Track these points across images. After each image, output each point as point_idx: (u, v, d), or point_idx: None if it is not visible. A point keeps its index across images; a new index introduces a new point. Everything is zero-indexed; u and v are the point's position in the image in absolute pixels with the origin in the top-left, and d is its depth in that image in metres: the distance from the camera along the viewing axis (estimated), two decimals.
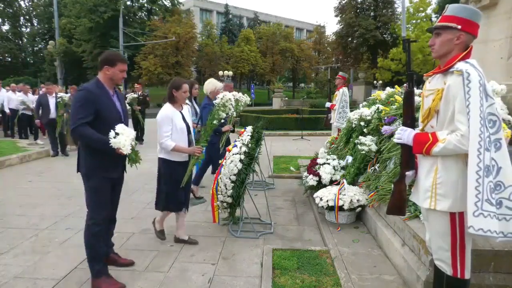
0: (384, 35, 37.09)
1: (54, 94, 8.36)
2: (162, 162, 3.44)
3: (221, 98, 3.98)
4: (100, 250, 2.79)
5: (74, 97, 2.77)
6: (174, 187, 3.41)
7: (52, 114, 8.17)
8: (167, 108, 3.39)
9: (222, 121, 4.00)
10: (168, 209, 3.55)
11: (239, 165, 3.65)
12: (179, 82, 3.48)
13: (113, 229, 3.14)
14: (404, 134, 2.00)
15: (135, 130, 10.13)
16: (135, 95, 10.38)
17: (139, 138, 10.35)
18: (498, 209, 1.71)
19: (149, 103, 11.57)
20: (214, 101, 4.15)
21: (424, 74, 2.08)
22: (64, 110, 8.15)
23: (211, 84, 5.16)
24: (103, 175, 2.72)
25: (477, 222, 1.67)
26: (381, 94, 5.68)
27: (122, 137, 2.53)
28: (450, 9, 1.90)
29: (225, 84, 5.81)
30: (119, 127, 2.56)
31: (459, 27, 1.85)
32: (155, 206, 3.59)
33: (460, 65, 1.80)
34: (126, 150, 2.54)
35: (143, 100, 10.62)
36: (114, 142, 2.50)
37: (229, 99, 3.99)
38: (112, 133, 2.51)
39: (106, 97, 2.72)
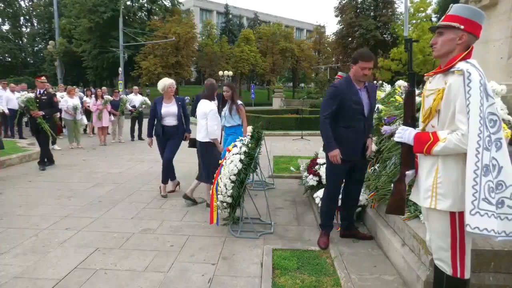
0: (384, 35, 37.15)
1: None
2: None
3: None
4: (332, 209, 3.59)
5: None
6: None
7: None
8: None
9: None
10: None
11: (239, 165, 3.65)
12: None
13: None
14: (404, 134, 2.01)
15: (40, 146, 7.73)
16: (31, 95, 7.16)
17: (43, 161, 7.02)
18: (500, 208, 1.72)
19: (58, 106, 7.99)
20: None
21: (425, 74, 2.08)
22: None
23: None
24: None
25: (473, 221, 1.67)
26: (381, 94, 5.66)
27: None
28: (454, 9, 1.90)
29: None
30: None
31: (462, 27, 1.85)
32: None
33: (461, 65, 1.80)
34: None
35: (48, 102, 6.99)
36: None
37: None
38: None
39: (350, 91, 3.19)
